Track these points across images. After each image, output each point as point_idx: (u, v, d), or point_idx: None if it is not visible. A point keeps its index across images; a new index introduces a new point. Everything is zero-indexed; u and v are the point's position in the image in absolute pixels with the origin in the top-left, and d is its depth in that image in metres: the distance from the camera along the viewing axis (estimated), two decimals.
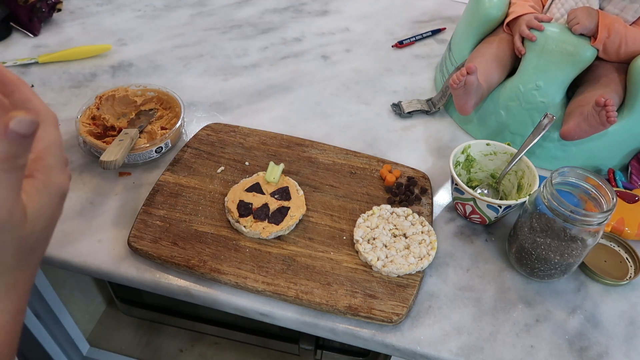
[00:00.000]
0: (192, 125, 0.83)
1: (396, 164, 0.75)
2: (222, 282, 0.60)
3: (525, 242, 0.61)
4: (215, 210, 0.67)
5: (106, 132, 0.76)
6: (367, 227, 0.65)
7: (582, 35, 0.70)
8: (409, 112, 0.87)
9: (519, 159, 0.68)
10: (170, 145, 0.76)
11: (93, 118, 0.77)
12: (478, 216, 0.68)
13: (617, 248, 0.68)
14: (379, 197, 0.70)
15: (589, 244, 0.58)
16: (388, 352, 0.59)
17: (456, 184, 0.67)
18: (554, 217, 0.57)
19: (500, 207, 0.65)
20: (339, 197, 0.70)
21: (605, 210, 0.56)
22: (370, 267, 0.61)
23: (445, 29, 1.11)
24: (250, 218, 0.64)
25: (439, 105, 0.87)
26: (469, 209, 0.68)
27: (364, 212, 0.67)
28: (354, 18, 1.13)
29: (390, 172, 0.73)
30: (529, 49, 0.74)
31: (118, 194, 0.70)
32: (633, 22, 0.72)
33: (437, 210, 0.72)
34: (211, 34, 1.05)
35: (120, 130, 0.74)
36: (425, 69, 0.99)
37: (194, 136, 0.77)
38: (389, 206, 0.68)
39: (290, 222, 0.64)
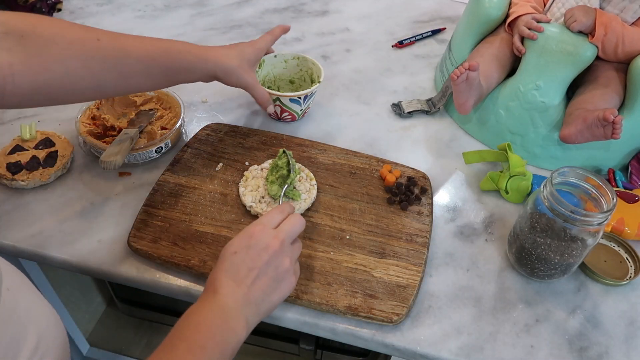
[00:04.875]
0: (192, 125, 0.83)
1: (396, 164, 0.75)
2: None
3: (526, 242, 0.61)
4: (215, 210, 0.67)
5: (106, 132, 0.76)
6: (251, 191, 0.68)
7: (581, 34, 0.70)
8: (409, 112, 0.87)
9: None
10: (170, 145, 0.76)
11: (93, 118, 0.77)
12: (288, 114, 0.81)
13: (617, 248, 0.68)
14: (379, 197, 0.70)
15: (589, 244, 0.58)
16: (388, 352, 0.59)
17: None
18: (554, 217, 0.57)
19: (300, 97, 0.78)
20: (339, 197, 0.70)
21: (605, 210, 0.56)
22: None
23: (445, 29, 1.11)
24: (24, 172, 0.69)
25: (439, 105, 0.87)
26: (278, 110, 0.80)
27: (239, 182, 0.70)
28: (354, 18, 1.13)
29: (390, 172, 0.73)
30: (529, 49, 0.74)
31: (118, 194, 0.70)
32: (632, 23, 0.72)
33: (437, 210, 0.72)
34: (211, 34, 1.05)
35: (120, 130, 0.74)
36: (425, 69, 0.99)
37: (194, 136, 0.77)
38: (255, 165, 0.72)
39: (63, 160, 0.72)
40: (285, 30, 0.78)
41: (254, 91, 0.72)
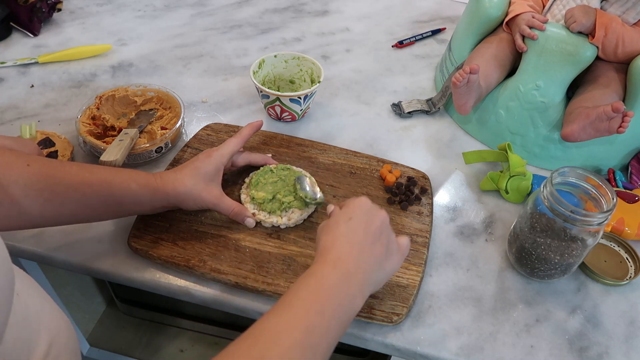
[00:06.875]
0: (192, 125, 0.83)
1: (396, 164, 0.75)
2: (222, 282, 0.60)
3: (526, 242, 0.61)
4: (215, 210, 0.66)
5: (106, 132, 0.76)
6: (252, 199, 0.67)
7: (580, 34, 0.70)
8: (409, 112, 0.87)
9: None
10: (170, 145, 0.76)
11: (93, 118, 0.77)
12: (288, 114, 0.81)
13: (617, 248, 0.68)
14: (379, 197, 0.70)
15: (589, 244, 0.58)
16: (388, 352, 0.59)
17: (261, 91, 0.79)
18: (554, 217, 0.57)
19: (300, 97, 0.78)
20: (339, 197, 0.70)
21: (605, 210, 0.56)
22: None
23: (445, 29, 1.11)
24: None
25: (439, 105, 0.87)
26: (278, 110, 0.80)
27: (238, 182, 0.70)
28: (354, 18, 1.13)
29: (390, 172, 0.73)
30: (529, 48, 0.74)
31: None
32: (633, 24, 0.72)
33: (437, 210, 0.72)
34: (211, 34, 1.05)
35: (120, 130, 0.74)
36: (425, 69, 0.99)
37: (194, 136, 0.78)
38: (255, 170, 0.70)
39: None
40: (257, 127, 0.69)
41: (219, 208, 0.62)
